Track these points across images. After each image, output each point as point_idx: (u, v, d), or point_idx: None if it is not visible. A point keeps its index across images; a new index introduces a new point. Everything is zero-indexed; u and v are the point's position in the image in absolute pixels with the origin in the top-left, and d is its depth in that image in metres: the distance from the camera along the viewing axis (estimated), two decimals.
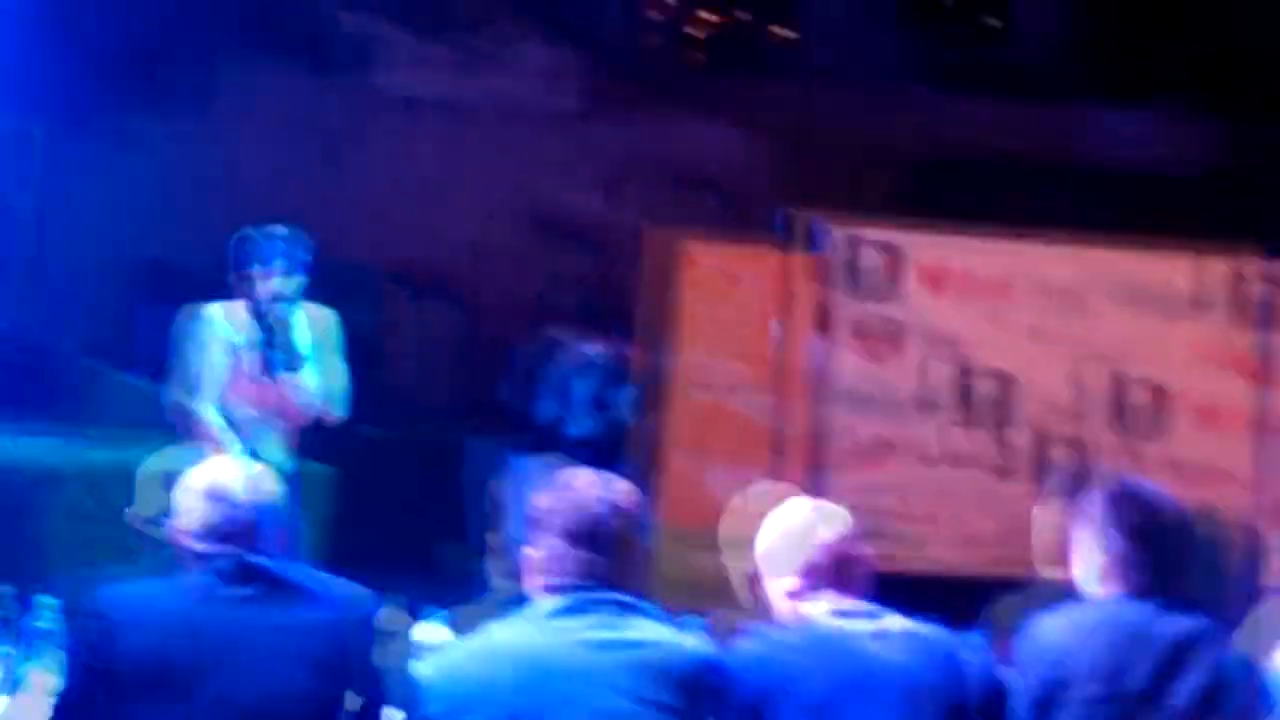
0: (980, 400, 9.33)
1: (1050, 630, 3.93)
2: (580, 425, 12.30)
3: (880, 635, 3.84)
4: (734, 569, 4.08)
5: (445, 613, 4.64)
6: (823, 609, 3.89)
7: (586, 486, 3.68)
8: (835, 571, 3.93)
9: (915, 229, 9.51)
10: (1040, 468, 9.21)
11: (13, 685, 4.44)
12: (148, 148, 14.86)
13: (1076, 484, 5.85)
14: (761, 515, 4.02)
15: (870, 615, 3.88)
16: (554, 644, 3.58)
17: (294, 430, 7.76)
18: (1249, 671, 3.93)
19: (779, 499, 4.07)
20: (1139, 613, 3.93)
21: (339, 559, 9.59)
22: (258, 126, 15.40)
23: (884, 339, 9.37)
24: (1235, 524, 8.85)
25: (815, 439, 9.21)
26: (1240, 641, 3.99)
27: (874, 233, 9.52)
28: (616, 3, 17.45)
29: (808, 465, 9.13)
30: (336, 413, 7.70)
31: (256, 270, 7.63)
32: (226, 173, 15.20)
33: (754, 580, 3.99)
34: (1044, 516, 4.76)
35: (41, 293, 14.44)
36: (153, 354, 11.78)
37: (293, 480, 6.90)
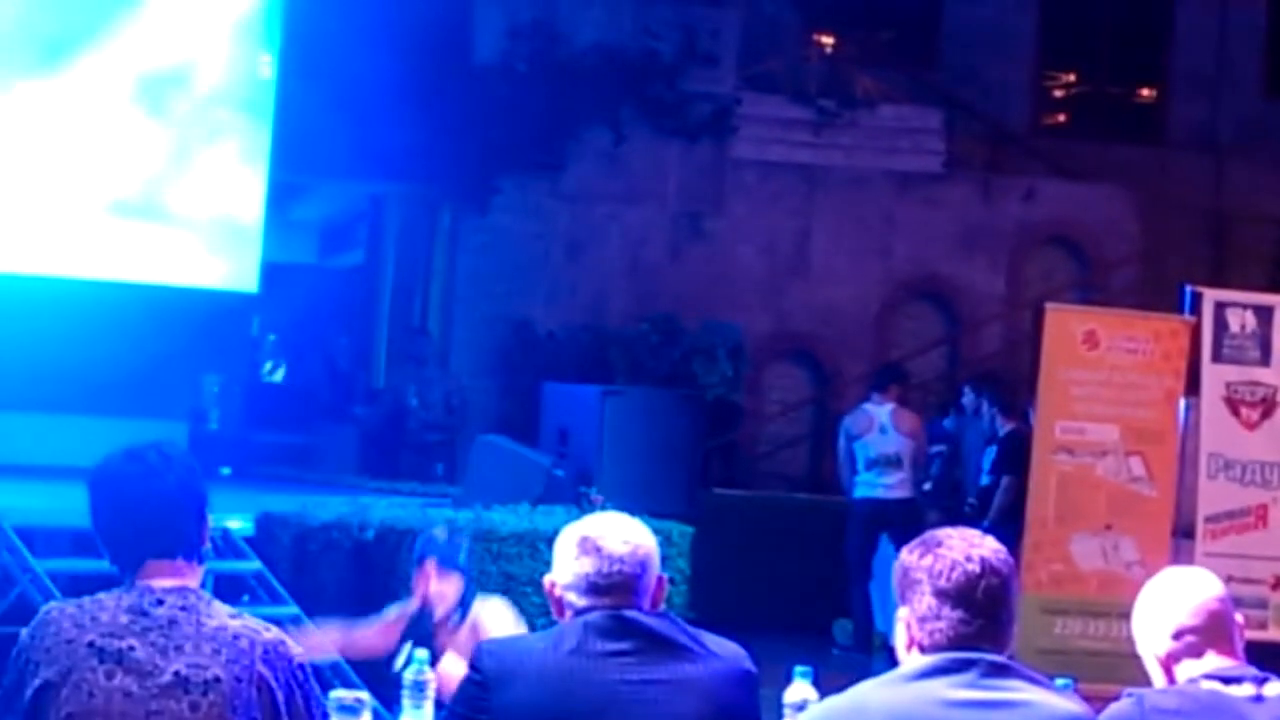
0: None
1: None
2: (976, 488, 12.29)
3: (1258, 700, 3.75)
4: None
5: (810, 671, 4.64)
6: (1199, 672, 3.82)
7: (959, 545, 3.65)
8: (1210, 635, 3.87)
9: None
10: None
11: None
12: (518, 210, 15.29)
13: None
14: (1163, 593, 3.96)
15: (1249, 679, 3.81)
16: (921, 704, 3.54)
17: None
18: None
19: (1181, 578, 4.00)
20: None
21: (701, 616, 9.71)
22: (617, 191, 15.70)
23: (1254, 404, 9.15)
24: None
25: (1185, 505, 9.01)
26: None
27: (1243, 296, 9.32)
28: (977, 64, 17.35)
29: (1177, 531, 8.94)
30: None
31: None
32: (591, 238, 15.54)
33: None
34: None
35: (445, 367, 14.87)
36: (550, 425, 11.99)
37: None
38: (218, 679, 3.57)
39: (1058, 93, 18.51)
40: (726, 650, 3.88)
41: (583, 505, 9.92)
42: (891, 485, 12.52)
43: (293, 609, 9.59)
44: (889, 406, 12.66)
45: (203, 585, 3.76)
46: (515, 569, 9.60)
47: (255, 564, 9.95)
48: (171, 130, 14.08)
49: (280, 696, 3.63)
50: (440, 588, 6.52)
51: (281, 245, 15.61)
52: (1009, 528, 9.48)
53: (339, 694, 4.80)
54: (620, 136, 15.49)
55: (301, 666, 3.70)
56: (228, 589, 9.38)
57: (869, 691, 3.61)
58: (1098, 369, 9.15)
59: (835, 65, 17.10)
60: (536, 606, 7.79)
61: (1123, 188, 16.78)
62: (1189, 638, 3.87)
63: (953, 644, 3.57)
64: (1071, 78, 18.50)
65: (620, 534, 3.89)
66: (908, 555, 3.64)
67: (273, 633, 3.71)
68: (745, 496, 13.87)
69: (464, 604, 6.53)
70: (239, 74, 14.28)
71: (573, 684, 3.74)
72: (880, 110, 16.53)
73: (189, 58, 14.07)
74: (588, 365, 14.19)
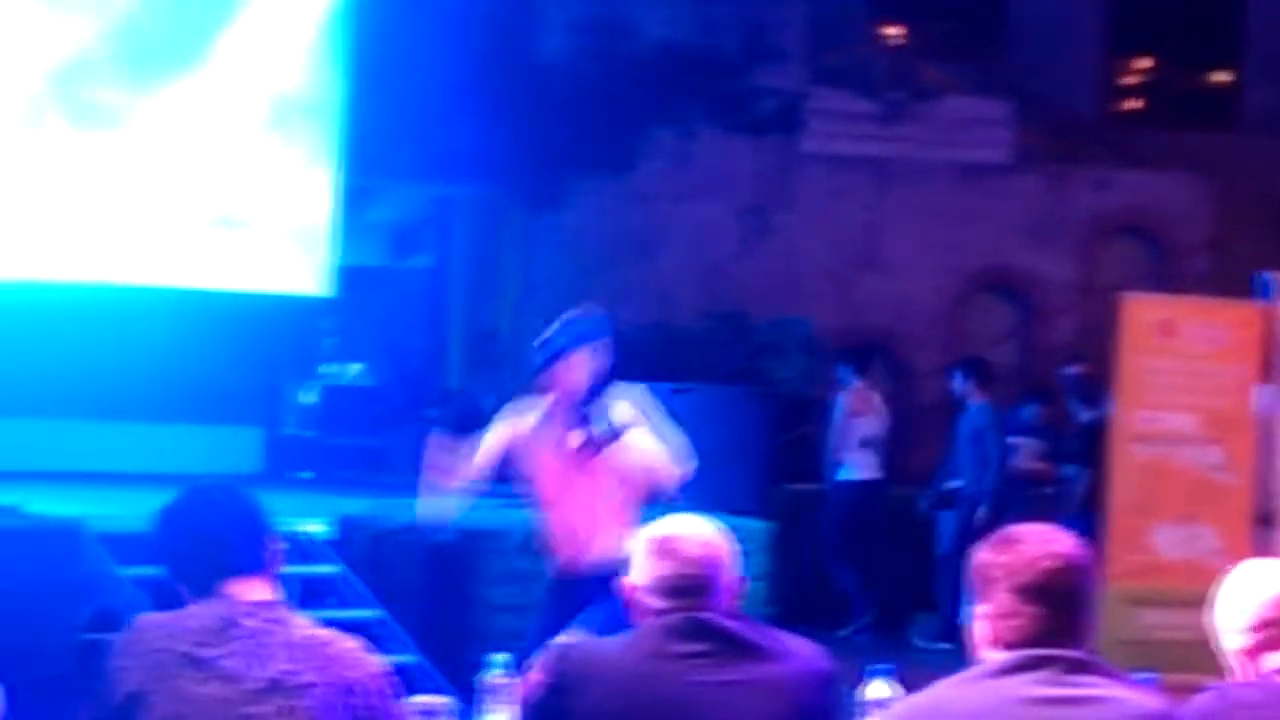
0: None
1: None
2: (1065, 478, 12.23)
3: None
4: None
5: (891, 669, 4.63)
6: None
7: (1035, 542, 3.63)
8: None
9: None
10: None
11: None
12: (587, 209, 15.29)
13: None
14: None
15: None
16: (1001, 702, 3.53)
17: None
18: None
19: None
20: None
21: (777, 614, 9.69)
22: (685, 187, 15.70)
23: None
24: None
25: (1264, 492, 8.94)
26: None
27: None
28: (1044, 53, 17.25)
29: (1256, 518, 8.88)
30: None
31: None
32: (659, 235, 15.54)
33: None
34: None
35: (519, 368, 14.89)
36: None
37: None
38: (311, 684, 3.68)
39: (1128, 80, 18.38)
40: (805, 650, 3.87)
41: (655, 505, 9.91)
42: None
43: (377, 611, 9.65)
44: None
45: (287, 590, 3.92)
46: None
47: (338, 567, 10.01)
48: (247, 136, 14.17)
49: (366, 703, 3.74)
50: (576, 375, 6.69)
51: (355, 248, 15.69)
52: (1087, 520, 9.44)
53: (421, 699, 4.82)
54: (688, 133, 15.48)
55: (384, 675, 3.82)
56: (312, 593, 9.45)
57: (948, 690, 3.60)
58: (1175, 358, 9.11)
59: (902, 57, 17.05)
60: None
61: (1195, 175, 16.65)
62: (1271, 630, 3.83)
63: (1031, 641, 3.56)
64: (1142, 64, 18.36)
65: (695, 536, 3.90)
66: (985, 551, 3.64)
67: (356, 643, 3.83)
68: (819, 491, 13.82)
69: (595, 389, 6.70)
70: (311, 79, 14.36)
71: (650, 687, 3.75)
72: (948, 102, 16.46)
73: (269, 64, 14.15)
74: (657, 363, 14.17)
